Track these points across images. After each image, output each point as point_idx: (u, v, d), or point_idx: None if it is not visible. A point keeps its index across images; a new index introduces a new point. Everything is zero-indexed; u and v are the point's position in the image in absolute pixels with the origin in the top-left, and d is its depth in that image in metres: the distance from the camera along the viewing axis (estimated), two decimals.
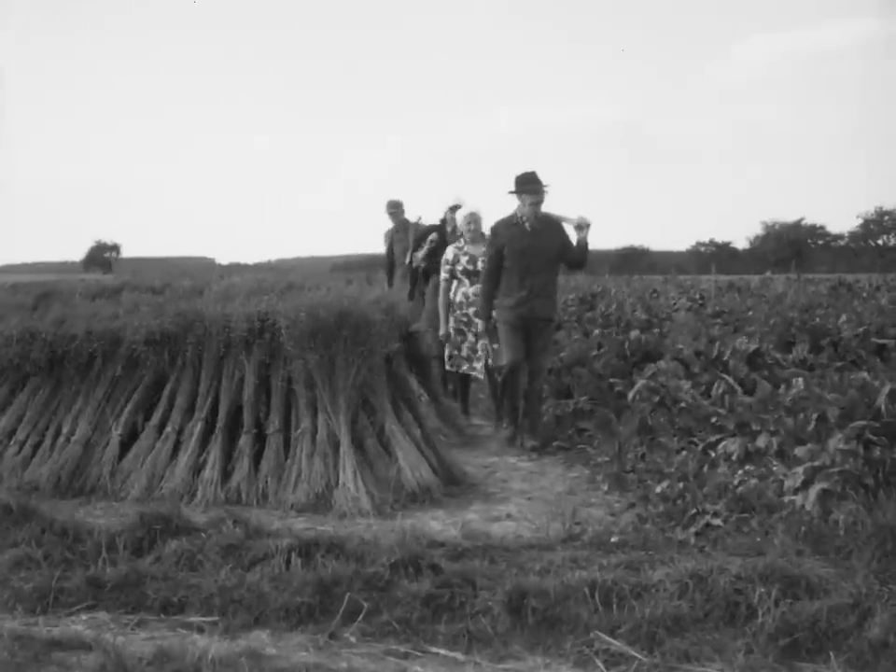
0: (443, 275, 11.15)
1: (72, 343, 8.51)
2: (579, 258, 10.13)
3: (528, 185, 9.88)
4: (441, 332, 11.09)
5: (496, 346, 10.23)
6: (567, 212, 10.16)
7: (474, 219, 11.12)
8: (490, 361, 10.70)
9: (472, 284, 10.91)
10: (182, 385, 8.39)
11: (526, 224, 9.91)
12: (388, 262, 14.07)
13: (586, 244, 9.99)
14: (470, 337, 10.99)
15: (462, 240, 11.26)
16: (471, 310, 10.90)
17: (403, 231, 13.62)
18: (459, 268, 11.04)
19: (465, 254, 11.07)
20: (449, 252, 11.22)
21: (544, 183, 9.90)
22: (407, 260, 12.67)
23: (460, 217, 11.31)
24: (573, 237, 10.02)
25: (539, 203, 9.88)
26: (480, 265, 10.73)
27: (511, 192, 9.97)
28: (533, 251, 9.85)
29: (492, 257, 9.99)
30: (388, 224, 14.11)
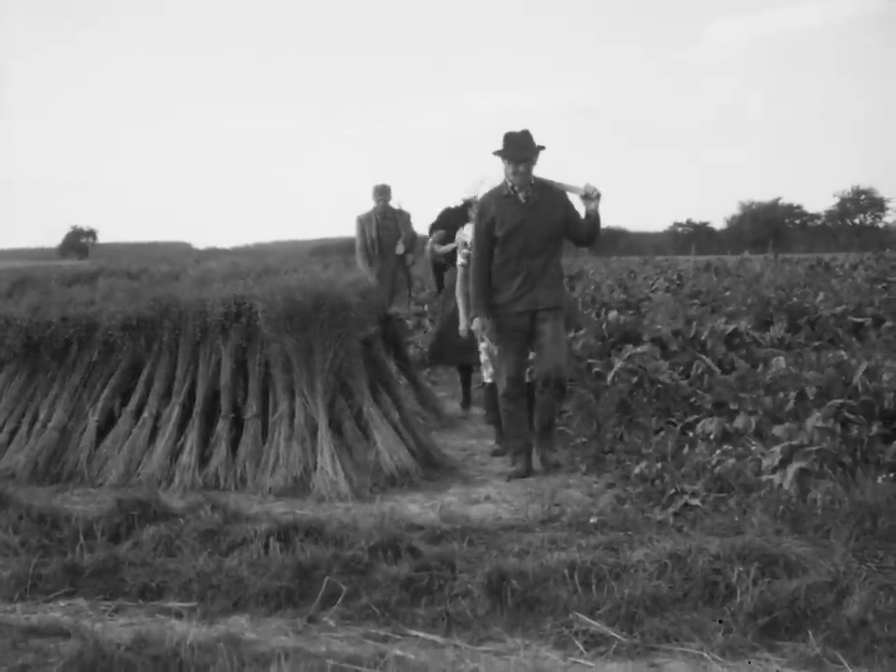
0: (462, 260, 9.33)
1: (48, 330, 8.45)
2: (589, 232, 8.25)
3: (511, 149, 8.05)
4: (462, 326, 9.31)
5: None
6: (571, 180, 8.29)
7: None
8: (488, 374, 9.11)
9: None
10: (159, 370, 8.36)
11: (520, 195, 8.08)
12: (371, 248, 13.03)
13: (597, 216, 8.15)
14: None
15: None
16: None
17: (392, 219, 12.97)
18: None
19: None
20: (469, 232, 9.06)
21: (536, 146, 8.13)
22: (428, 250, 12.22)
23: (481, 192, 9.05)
24: (579, 208, 8.31)
25: (524, 172, 8.06)
26: None
27: (496, 153, 8.12)
28: (530, 227, 8.04)
29: (480, 238, 8.19)
30: (365, 208, 13.31)
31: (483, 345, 8.94)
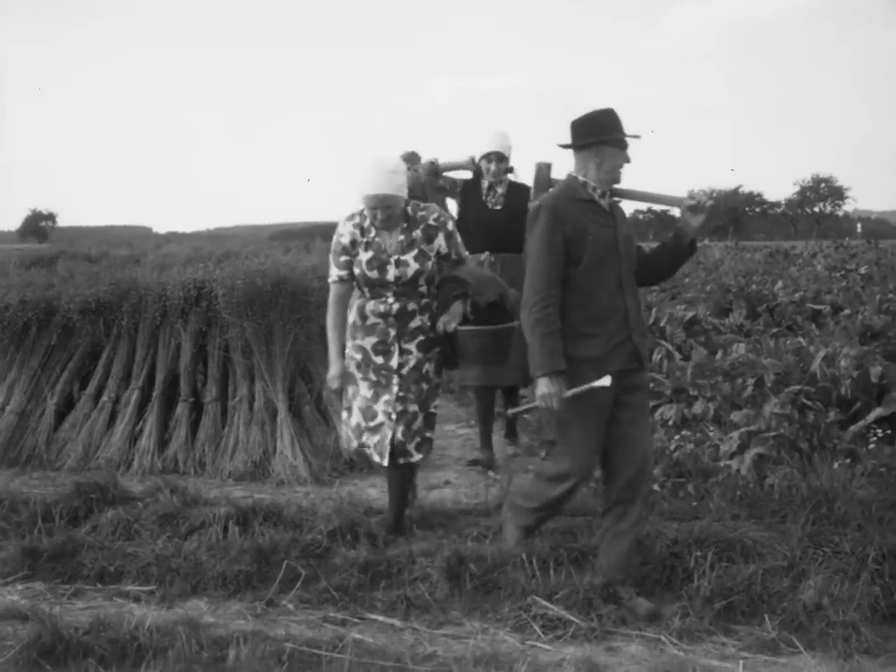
0: (337, 272, 5.92)
1: (6, 313, 8.36)
2: (676, 263, 5.51)
3: (616, 133, 5.06)
4: (332, 373, 5.95)
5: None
6: (660, 188, 5.48)
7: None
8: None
9: (375, 297, 5.90)
10: (118, 353, 8.31)
11: (602, 201, 5.13)
12: None
13: (695, 241, 5.28)
14: (387, 393, 5.88)
15: (361, 217, 5.90)
16: (369, 341, 5.92)
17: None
18: (357, 269, 5.86)
19: (367, 245, 5.87)
20: (345, 232, 5.91)
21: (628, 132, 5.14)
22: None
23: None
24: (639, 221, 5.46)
25: (621, 164, 5.16)
26: (395, 272, 5.80)
27: (574, 146, 5.13)
28: (624, 249, 5.15)
29: (551, 258, 5.00)
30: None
31: (356, 401, 6.03)
